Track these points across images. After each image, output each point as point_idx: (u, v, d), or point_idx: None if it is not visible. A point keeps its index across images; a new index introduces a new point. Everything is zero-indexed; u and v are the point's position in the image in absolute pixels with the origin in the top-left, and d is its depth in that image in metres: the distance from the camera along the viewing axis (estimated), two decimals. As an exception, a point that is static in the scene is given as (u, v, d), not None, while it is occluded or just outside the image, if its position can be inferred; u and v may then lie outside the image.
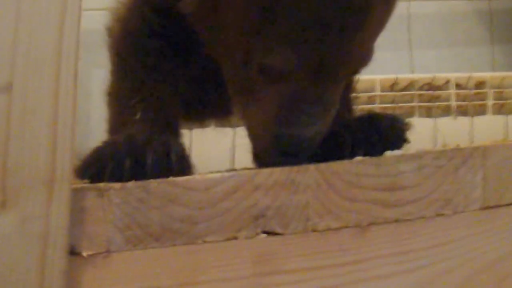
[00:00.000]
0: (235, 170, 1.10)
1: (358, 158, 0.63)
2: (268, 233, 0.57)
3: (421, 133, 1.70)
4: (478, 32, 1.96)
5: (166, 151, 0.63)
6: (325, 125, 0.67)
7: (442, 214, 0.63)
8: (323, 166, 0.59)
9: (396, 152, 0.65)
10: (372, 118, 0.73)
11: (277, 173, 0.57)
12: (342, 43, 0.62)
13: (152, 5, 0.80)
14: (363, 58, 0.66)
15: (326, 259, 0.59)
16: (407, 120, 0.75)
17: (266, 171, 0.57)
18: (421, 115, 1.77)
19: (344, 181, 0.59)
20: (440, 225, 0.63)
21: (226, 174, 0.56)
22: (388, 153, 0.65)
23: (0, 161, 0.49)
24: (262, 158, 0.70)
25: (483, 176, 0.64)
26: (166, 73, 0.80)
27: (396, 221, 0.61)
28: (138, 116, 0.73)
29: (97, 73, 1.65)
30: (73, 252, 0.51)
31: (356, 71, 0.69)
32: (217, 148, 1.31)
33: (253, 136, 0.70)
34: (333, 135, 0.69)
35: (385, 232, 0.61)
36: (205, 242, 0.55)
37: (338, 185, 0.59)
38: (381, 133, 0.70)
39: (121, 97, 0.79)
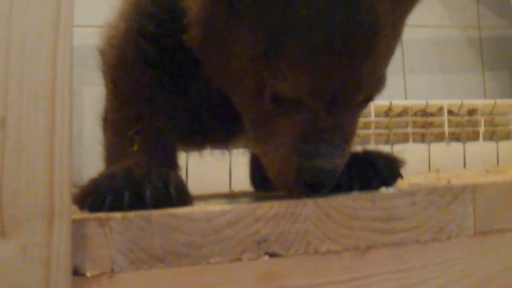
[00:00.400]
0: (233, 193, 1.13)
1: (355, 193, 0.66)
2: (271, 255, 0.60)
3: (415, 157, 1.74)
4: (470, 59, 2.00)
5: (165, 184, 0.64)
6: (345, 155, 0.66)
7: (437, 239, 0.67)
8: (321, 201, 0.62)
9: (391, 189, 0.68)
10: (367, 156, 0.75)
11: (277, 206, 0.60)
12: (352, 69, 0.62)
13: (147, 35, 0.80)
14: (375, 84, 0.66)
15: (328, 277, 0.62)
16: (401, 157, 0.78)
17: (266, 204, 0.60)
18: (415, 141, 1.80)
19: (341, 214, 0.63)
20: (436, 247, 0.67)
21: (227, 207, 0.59)
22: (383, 188, 0.68)
23: None
24: (284, 191, 0.69)
25: (474, 209, 0.68)
26: (162, 104, 0.80)
27: (393, 244, 0.65)
28: (135, 148, 0.74)
29: (88, 92, 1.64)
30: (77, 273, 0.53)
31: (370, 98, 0.68)
32: (215, 166, 1.33)
33: (273, 170, 0.67)
34: None
35: (384, 253, 0.65)
36: (209, 263, 0.58)
37: (336, 217, 0.62)
38: (376, 171, 0.72)
39: (118, 126, 0.79)
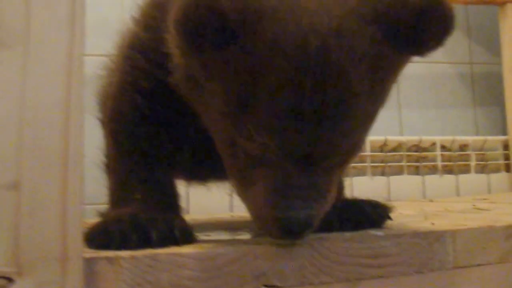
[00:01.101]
0: (234, 220, 1.20)
1: (346, 235, 0.73)
2: (269, 286, 0.67)
3: (410, 188, 1.82)
4: (462, 94, 2.07)
5: (170, 228, 0.68)
6: (322, 208, 0.66)
7: (420, 272, 0.74)
8: (315, 243, 0.69)
9: (379, 232, 0.75)
10: (357, 203, 0.82)
11: (275, 248, 0.68)
12: (323, 134, 0.61)
13: (141, 90, 0.81)
14: (351, 149, 0.66)
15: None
16: (389, 204, 0.83)
17: (265, 245, 0.67)
18: (409, 173, 1.87)
19: (333, 252, 0.70)
20: (420, 279, 0.75)
21: (229, 248, 0.66)
22: (372, 231, 0.75)
23: (11, 244, 0.56)
24: (267, 235, 0.69)
25: (454, 248, 0.76)
26: (160, 155, 0.82)
27: (381, 276, 0.72)
28: (138, 196, 0.77)
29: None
30: None
31: (345, 161, 0.68)
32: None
33: (253, 216, 0.69)
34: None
35: (372, 284, 0.72)
36: (212, 295, 0.65)
37: (329, 255, 0.70)
38: (366, 215, 0.79)
39: (119, 174, 0.82)
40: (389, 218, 0.81)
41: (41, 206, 0.57)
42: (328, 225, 0.76)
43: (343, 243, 0.71)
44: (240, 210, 1.24)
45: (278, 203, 0.63)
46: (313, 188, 0.63)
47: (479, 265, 0.77)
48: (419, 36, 0.62)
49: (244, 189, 0.68)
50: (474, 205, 1.26)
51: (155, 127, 0.82)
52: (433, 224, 0.84)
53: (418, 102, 2.03)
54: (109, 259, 0.62)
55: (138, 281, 0.62)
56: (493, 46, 2.03)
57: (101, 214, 0.82)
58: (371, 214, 0.79)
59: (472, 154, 1.93)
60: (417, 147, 1.88)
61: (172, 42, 0.70)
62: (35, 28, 0.60)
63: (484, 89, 2.08)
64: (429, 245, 0.75)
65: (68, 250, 0.58)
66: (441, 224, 0.85)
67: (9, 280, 0.56)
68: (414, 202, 1.53)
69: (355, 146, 0.66)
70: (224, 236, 0.82)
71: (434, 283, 0.75)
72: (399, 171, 1.86)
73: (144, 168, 0.80)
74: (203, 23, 0.59)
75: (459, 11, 2.03)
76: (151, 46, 0.80)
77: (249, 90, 0.61)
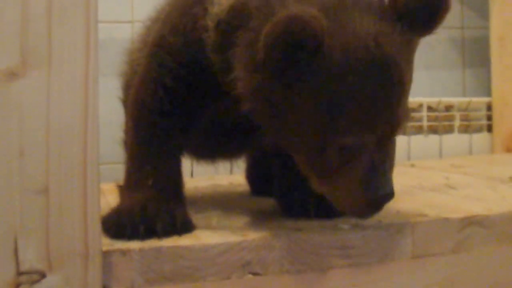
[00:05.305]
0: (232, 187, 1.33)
1: (319, 228, 0.85)
2: (253, 274, 0.81)
3: (397, 148, 1.93)
4: (451, 57, 2.14)
5: (172, 220, 0.82)
6: (392, 172, 0.80)
7: (382, 262, 0.88)
8: (293, 236, 0.82)
9: (346, 225, 0.87)
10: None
11: (258, 240, 0.81)
12: (394, 115, 0.75)
13: (164, 85, 0.90)
14: (407, 117, 0.79)
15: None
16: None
17: (250, 238, 0.80)
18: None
19: (309, 244, 0.83)
20: (384, 268, 0.88)
21: (220, 240, 0.79)
22: (341, 225, 0.87)
23: (43, 243, 0.68)
24: (354, 216, 0.84)
25: (412, 239, 0.89)
26: (175, 145, 0.93)
27: (348, 265, 0.86)
28: (150, 182, 0.88)
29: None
30: None
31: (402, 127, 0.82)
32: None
33: (343, 202, 0.79)
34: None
35: (341, 272, 0.85)
36: (206, 281, 0.79)
37: (304, 246, 0.83)
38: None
39: (136, 161, 0.92)
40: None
41: (66, 209, 0.70)
42: (306, 212, 0.92)
43: (317, 235, 0.83)
44: (238, 173, 1.38)
45: (370, 188, 0.75)
46: (388, 161, 0.78)
47: (434, 254, 0.90)
48: (431, 23, 0.78)
49: (331, 182, 0.79)
50: (447, 178, 1.38)
51: (174, 119, 0.92)
52: (398, 212, 0.95)
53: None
54: (122, 252, 0.75)
55: (145, 270, 0.76)
56: (485, 11, 2.08)
57: (119, 188, 0.97)
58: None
59: (457, 115, 2.03)
60: (406, 108, 1.97)
61: (242, 59, 0.79)
62: (56, 50, 0.70)
63: (474, 52, 2.15)
64: (390, 237, 0.87)
65: (89, 247, 0.70)
66: (406, 211, 0.96)
67: (42, 275, 0.68)
68: (397, 167, 1.64)
69: (408, 113, 0.81)
70: (217, 221, 0.94)
71: (394, 271, 0.88)
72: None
73: (159, 156, 0.91)
74: (299, 41, 0.69)
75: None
76: (178, 48, 0.90)
77: (338, 94, 0.73)
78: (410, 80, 0.78)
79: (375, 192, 0.75)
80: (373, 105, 0.73)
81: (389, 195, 0.77)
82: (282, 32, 0.69)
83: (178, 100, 0.92)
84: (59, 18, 0.69)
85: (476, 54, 2.14)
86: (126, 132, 1.02)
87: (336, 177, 0.77)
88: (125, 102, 1.10)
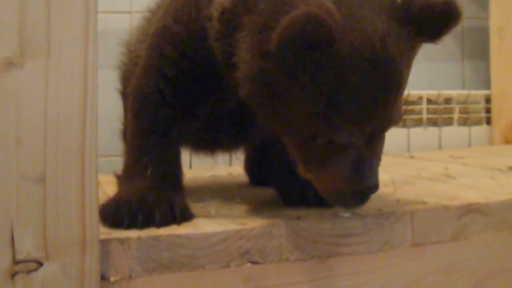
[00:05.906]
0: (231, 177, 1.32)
1: (319, 217, 0.85)
2: (253, 262, 0.80)
3: (396, 140, 1.93)
4: (451, 49, 2.13)
5: (171, 208, 0.82)
6: (378, 166, 0.80)
7: (382, 250, 0.87)
8: (292, 224, 0.82)
9: (346, 213, 0.87)
10: None
11: (257, 228, 0.80)
12: (388, 115, 0.76)
13: (165, 76, 0.91)
14: (399, 116, 0.80)
15: (297, 278, 0.83)
16: None
17: (249, 227, 0.80)
18: (397, 125, 1.98)
19: (308, 232, 0.83)
20: (381, 256, 0.88)
21: (219, 228, 0.79)
22: (341, 213, 0.87)
23: (40, 231, 0.67)
24: (339, 206, 0.84)
25: (412, 227, 0.89)
26: (175, 135, 0.92)
27: (348, 254, 0.85)
28: (148, 172, 0.88)
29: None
30: (103, 278, 0.73)
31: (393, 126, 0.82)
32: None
33: (328, 193, 0.80)
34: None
35: (341, 260, 0.85)
36: (205, 270, 0.78)
37: (304, 234, 0.82)
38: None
39: (135, 150, 0.92)
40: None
41: (63, 197, 0.68)
42: (306, 200, 0.91)
43: (316, 224, 0.83)
44: (238, 165, 1.38)
45: (355, 179, 0.77)
46: (375, 156, 0.79)
47: (434, 242, 0.90)
48: (439, 32, 0.78)
49: (319, 171, 0.79)
50: (446, 168, 1.38)
51: (174, 110, 0.92)
52: (397, 200, 0.96)
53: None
54: (120, 240, 0.74)
55: (144, 259, 0.75)
56: (484, 1, 2.08)
57: (117, 178, 0.97)
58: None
59: (456, 107, 2.03)
60: (405, 101, 1.98)
61: (248, 43, 0.78)
62: (55, 40, 0.69)
63: (474, 43, 2.15)
64: (390, 225, 0.87)
65: (87, 236, 0.70)
66: (406, 199, 0.96)
67: (39, 263, 0.68)
68: (397, 158, 1.65)
69: (401, 113, 0.81)
70: (216, 210, 0.94)
71: (394, 259, 0.87)
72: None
73: (158, 147, 0.91)
74: (314, 40, 0.69)
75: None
76: (181, 38, 0.90)
77: (335, 91, 0.73)
78: (406, 83, 0.79)
79: (360, 183, 0.77)
80: (369, 106, 0.74)
81: (374, 186, 0.78)
82: (299, 30, 0.68)
83: (179, 91, 0.92)
84: (58, 6, 0.69)
85: (476, 45, 2.14)
86: (126, 123, 1.02)
87: (322, 166, 0.78)
88: (123, 93, 1.09)
